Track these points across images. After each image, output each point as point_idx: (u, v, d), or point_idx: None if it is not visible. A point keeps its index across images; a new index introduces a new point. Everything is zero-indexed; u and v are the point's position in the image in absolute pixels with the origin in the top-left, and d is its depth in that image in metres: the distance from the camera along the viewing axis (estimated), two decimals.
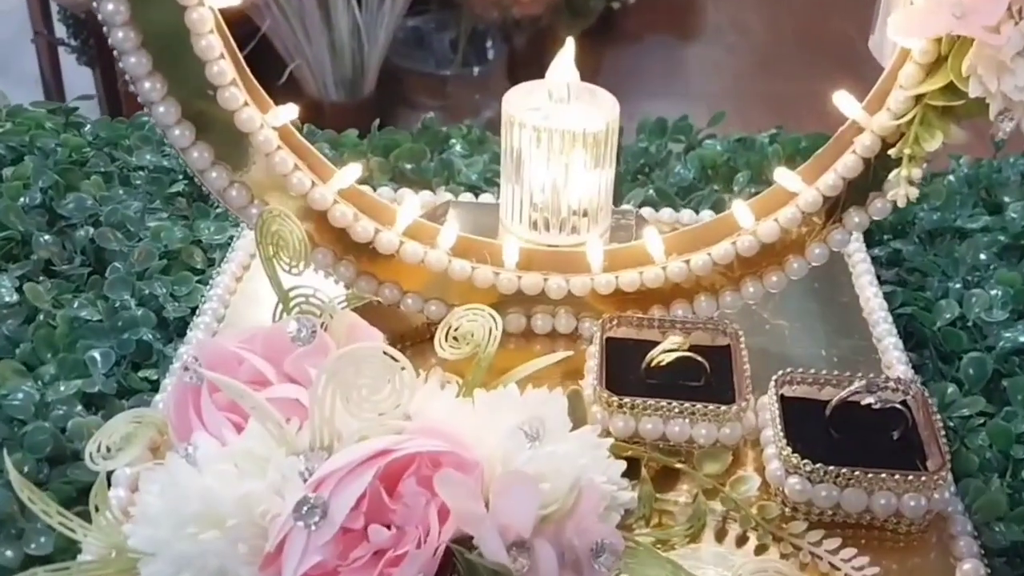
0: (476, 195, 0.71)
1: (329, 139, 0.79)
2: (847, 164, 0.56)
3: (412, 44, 2.25)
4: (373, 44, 2.10)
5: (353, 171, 0.57)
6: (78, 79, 2.33)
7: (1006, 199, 0.76)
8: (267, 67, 1.87)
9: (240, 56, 0.54)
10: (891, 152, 0.54)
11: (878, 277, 0.68)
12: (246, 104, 0.53)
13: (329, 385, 0.44)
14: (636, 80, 2.94)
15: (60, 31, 2.27)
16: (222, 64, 0.51)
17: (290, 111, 0.54)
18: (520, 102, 0.60)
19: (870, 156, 0.55)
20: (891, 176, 0.54)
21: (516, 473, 0.44)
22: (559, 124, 0.59)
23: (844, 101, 0.56)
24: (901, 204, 0.54)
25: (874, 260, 0.69)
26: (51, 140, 0.74)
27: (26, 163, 0.71)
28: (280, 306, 0.52)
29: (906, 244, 0.71)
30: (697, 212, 0.73)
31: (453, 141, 0.79)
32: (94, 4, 0.50)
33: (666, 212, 0.72)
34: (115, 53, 0.52)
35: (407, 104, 2.25)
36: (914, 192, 0.53)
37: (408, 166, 0.76)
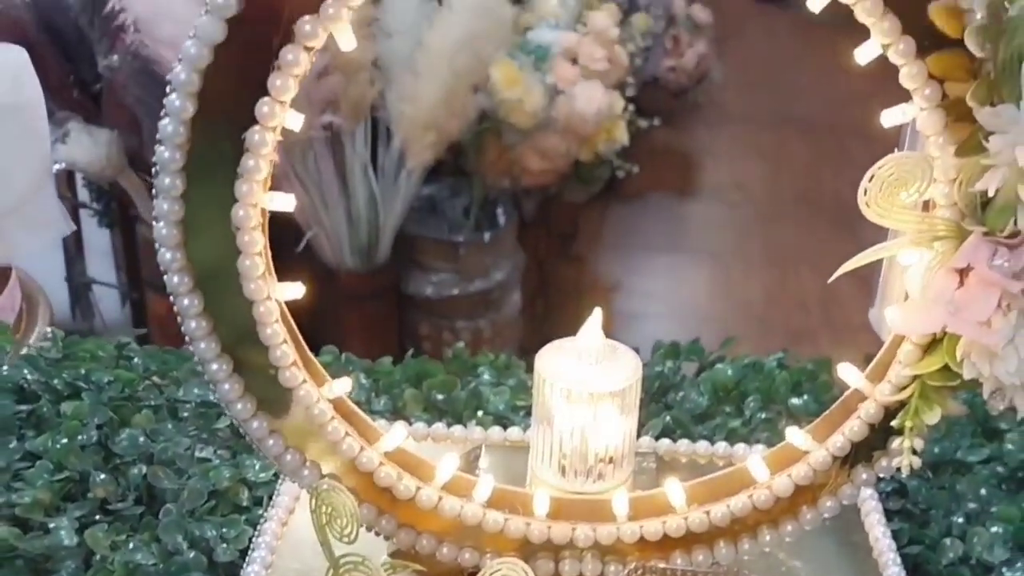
0: (504, 427, 0.76)
1: (365, 368, 0.84)
2: (853, 428, 0.61)
3: (426, 211, 2.33)
4: (389, 213, 2.18)
5: (399, 434, 0.61)
6: (96, 238, 2.46)
7: (1002, 426, 0.81)
8: (285, 235, 1.94)
9: (298, 333, 0.59)
10: (893, 423, 0.59)
11: (886, 511, 0.72)
12: (304, 382, 0.58)
13: None
14: (640, 236, 3.04)
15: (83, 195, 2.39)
16: (284, 348, 0.56)
17: (344, 384, 0.59)
18: (551, 361, 0.65)
19: (874, 422, 0.60)
20: (895, 444, 0.59)
21: None
22: (587, 385, 0.64)
23: (848, 372, 0.61)
24: (905, 472, 0.58)
25: (881, 493, 0.73)
26: (104, 375, 0.79)
27: (83, 401, 0.76)
28: (331, 572, 0.56)
29: (910, 478, 0.75)
30: (712, 443, 0.77)
31: (481, 369, 0.85)
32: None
33: (683, 443, 0.77)
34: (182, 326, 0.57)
35: (420, 268, 2.32)
36: (917, 461, 0.58)
37: (440, 396, 0.81)
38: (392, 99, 2.01)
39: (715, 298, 2.77)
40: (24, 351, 0.82)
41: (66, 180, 2.39)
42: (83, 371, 0.80)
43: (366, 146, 2.10)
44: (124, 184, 2.07)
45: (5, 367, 0.79)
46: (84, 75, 2.02)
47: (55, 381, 0.78)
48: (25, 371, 0.79)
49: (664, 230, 3.10)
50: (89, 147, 2.01)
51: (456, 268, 2.32)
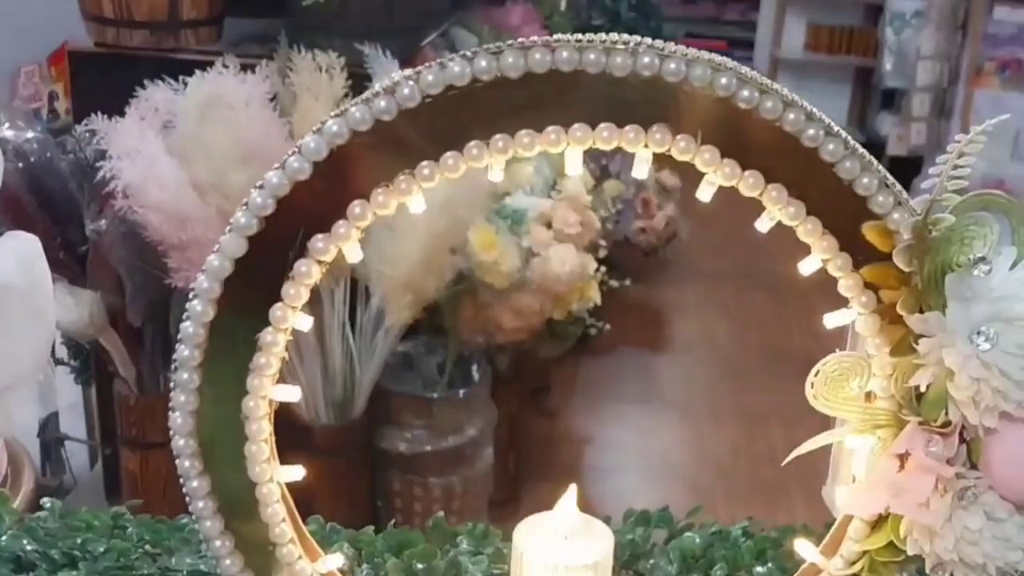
0: None
1: (349, 538, 0.88)
2: None
3: (401, 367, 2.37)
4: (365, 370, 2.22)
5: None
6: (67, 393, 2.50)
7: None
8: None
9: (295, 510, 0.63)
10: None
11: None
12: (300, 557, 0.62)
13: None
14: (611, 390, 3.10)
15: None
16: (283, 527, 0.61)
17: (336, 560, 0.64)
18: (529, 536, 0.70)
19: None
20: None
21: None
22: (564, 560, 0.68)
23: (804, 548, 0.66)
24: None
25: None
26: (100, 544, 0.83)
27: (80, 571, 0.79)
28: None
29: None
30: None
31: (460, 538, 0.88)
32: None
33: None
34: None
35: (394, 423, 2.34)
36: None
37: (420, 566, 0.85)
38: (372, 260, 2.07)
39: (686, 451, 2.81)
40: (20, 519, 0.86)
41: None
42: (79, 540, 0.83)
43: (344, 305, 2.15)
44: (104, 342, 2.11)
45: (4, 537, 0.82)
46: (70, 237, 2.08)
47: (52, 551, 0.82)
48: (24, 541, 0.82)
49: (635, 385, 3.16)
50: (72, 307, 2.05)
51: (430, 424, 2.34)
